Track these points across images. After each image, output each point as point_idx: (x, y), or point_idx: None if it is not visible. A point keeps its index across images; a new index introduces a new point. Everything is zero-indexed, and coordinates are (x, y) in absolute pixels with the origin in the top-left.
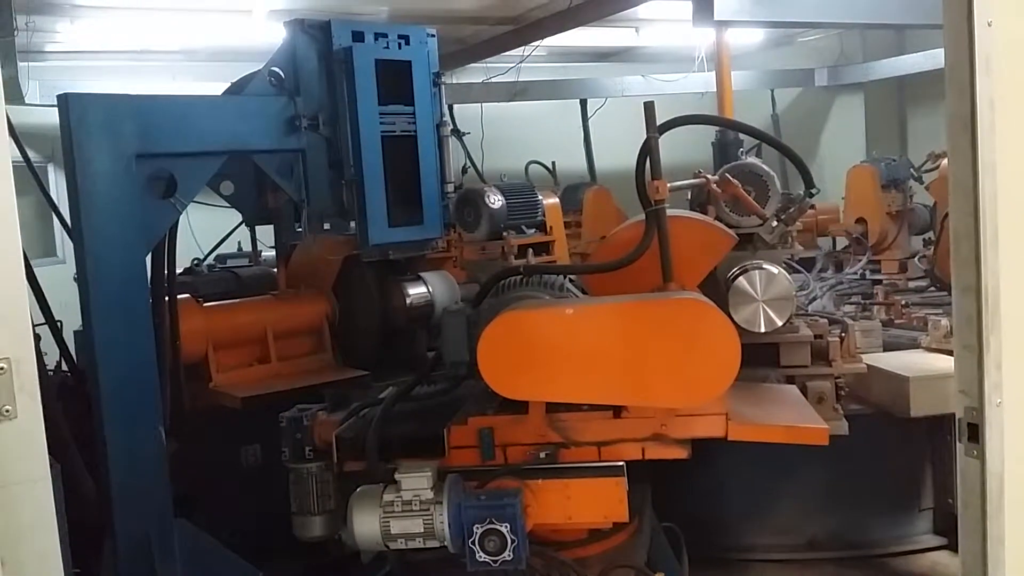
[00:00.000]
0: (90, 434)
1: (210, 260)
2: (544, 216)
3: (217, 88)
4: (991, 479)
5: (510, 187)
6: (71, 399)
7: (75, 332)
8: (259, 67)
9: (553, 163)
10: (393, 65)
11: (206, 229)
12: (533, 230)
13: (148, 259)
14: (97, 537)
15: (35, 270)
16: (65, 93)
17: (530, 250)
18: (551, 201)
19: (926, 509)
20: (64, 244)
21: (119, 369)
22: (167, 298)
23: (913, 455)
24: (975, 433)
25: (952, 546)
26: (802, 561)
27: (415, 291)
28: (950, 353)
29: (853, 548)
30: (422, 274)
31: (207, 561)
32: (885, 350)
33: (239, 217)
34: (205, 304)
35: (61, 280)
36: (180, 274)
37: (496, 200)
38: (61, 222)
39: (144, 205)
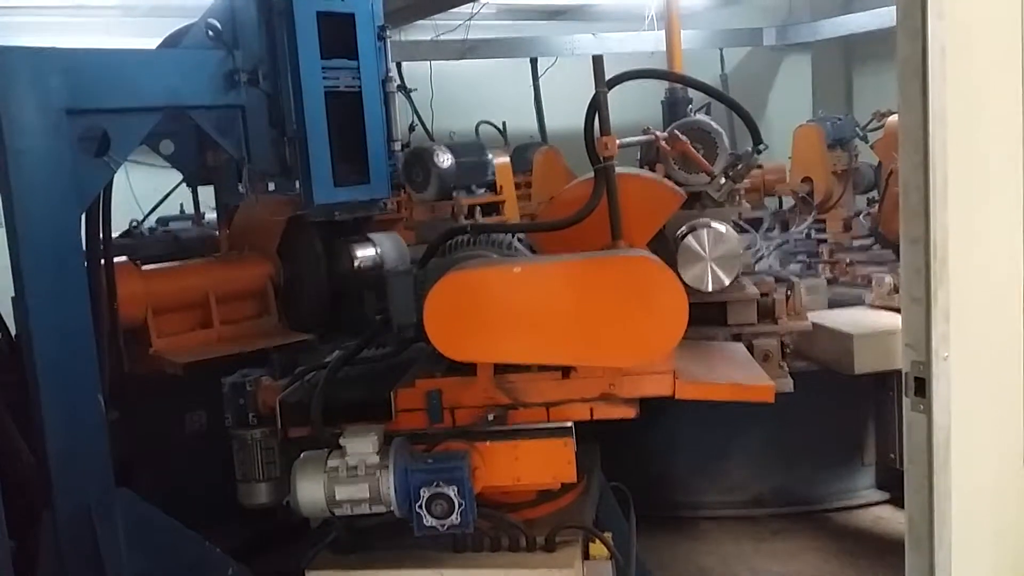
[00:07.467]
0: (27, 403)
1: (150, 222)
2: (494, 176)
3: (154, 45)
4: (938, 433)
5: (460, 146)
6: (6, 368)
7: (12, 298)
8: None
9: (504, 123)
10: (336, 18)
11: (148, 190)
12: (483, 190)
13: (83, 221)
14: (35, 509)
15: None
16: None
17: (478, 209)
18: (502, 161)
19: (869, 465)
20: None
21: (54, 335)
22: (103, 261)
23: (857, 411)
24: (922, 387)
25: (894, 500)
26: (748, 518)
27: (363, 253)
28: (894, 310)
29: (798, 504)
30: (371, 235)
31: (150, 531)
32: (830, 307)
33: (180, 177)
34: (144, 267)
35: None
36: (118, 236)
37: (446, 159)
38: None
39: (76, 163)
